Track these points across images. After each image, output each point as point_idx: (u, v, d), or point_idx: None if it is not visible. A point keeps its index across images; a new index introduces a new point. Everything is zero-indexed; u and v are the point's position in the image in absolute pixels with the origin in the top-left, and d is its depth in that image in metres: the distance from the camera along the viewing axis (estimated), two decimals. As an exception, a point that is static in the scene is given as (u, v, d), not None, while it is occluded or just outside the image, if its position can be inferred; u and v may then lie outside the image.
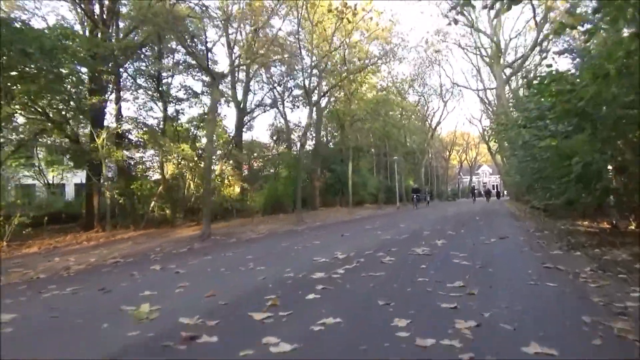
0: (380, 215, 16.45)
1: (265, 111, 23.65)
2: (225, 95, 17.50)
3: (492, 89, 17.85)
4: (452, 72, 74.07)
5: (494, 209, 19.62)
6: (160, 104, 16.77)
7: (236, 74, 19.63)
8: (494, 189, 54.11)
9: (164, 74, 16.48)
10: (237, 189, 18.94)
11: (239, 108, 19.51)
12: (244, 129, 20.43)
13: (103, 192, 12.87)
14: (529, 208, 16.16)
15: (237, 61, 15.96)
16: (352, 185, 28.18)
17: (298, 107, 24.75)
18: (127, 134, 15.47)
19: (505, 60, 18.04)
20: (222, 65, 31.26)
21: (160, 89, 16.18)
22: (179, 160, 13.86)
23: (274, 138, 26.04)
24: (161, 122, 16.51)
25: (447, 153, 50.05)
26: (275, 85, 22.16)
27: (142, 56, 15.64)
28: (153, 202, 13.32)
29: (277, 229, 11.12)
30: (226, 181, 16.47)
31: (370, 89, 24.20)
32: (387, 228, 9.80)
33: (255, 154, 22.62)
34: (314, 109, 20.75)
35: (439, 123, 37.09)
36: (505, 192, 52.71)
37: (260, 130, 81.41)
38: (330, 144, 29.46)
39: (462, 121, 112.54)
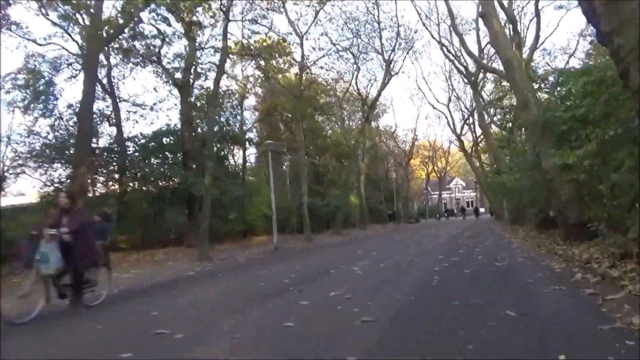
0: None
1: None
2: None
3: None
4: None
5: (499, 253, 6.63)
6: None
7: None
8: (469, 206, 42.29)
9: None
10: None
11: None
12: None
13: None
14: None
15: None
16: (217, 205, 14.98)
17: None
18: None
19: None
20: None
21: None
22: None
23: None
24: None
25: (406, 159, 35.83)
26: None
27: None
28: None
29: None
30: None
31: None
32: None
33: None
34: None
35: (379, 95, 22.90)
36: (482, 210, 40.66)
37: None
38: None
39: (425, 112, 77.06)
